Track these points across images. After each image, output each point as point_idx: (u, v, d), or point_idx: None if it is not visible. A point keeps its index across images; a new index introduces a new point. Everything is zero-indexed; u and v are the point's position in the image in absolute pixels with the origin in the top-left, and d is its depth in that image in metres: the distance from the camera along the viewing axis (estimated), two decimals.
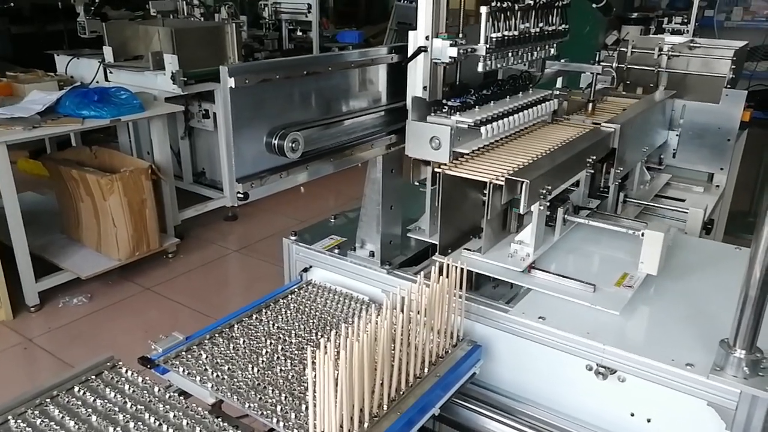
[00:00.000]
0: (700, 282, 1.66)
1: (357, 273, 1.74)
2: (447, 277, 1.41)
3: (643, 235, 1.60)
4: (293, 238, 1.87)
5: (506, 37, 1.68)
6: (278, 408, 1.27)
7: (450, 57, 1.60)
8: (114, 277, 4.04)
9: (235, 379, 1.37)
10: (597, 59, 2.22)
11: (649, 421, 1.38)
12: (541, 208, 1.65)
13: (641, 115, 2.23)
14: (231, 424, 1.23)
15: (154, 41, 4.67)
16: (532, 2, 1.74)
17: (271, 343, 1.51)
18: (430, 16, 1.59)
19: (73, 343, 3.42)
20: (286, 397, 1.31)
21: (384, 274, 1.69)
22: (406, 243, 1.83)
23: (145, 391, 1.32)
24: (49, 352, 3.36)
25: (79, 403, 1.28)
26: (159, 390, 1.32)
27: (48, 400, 1.28)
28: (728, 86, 2.55)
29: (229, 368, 1.40)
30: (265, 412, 1.26)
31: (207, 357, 1.44)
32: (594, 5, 1.82)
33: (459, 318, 1.48)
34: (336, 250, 1.80)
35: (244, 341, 1.51)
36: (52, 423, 1.21)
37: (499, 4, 1.62)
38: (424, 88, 1.64)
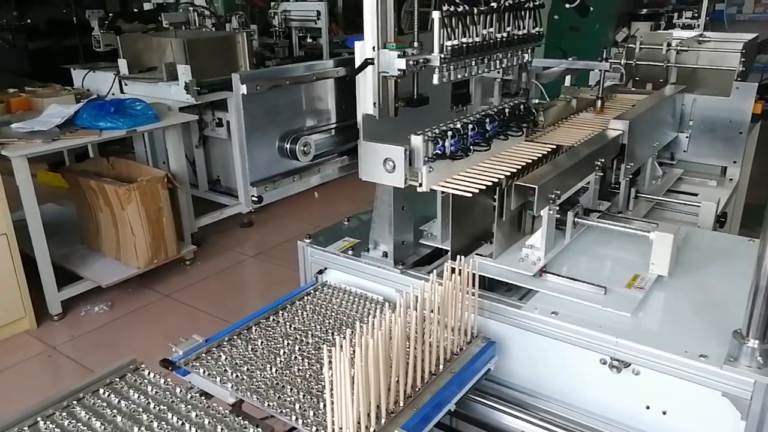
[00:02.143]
0: (713, 274, 1.67)
1: (371, 273, 1.77)
2: (459, 275, 1.43)
3: (652, 236, 1.61)
4: (308, 240, 1.90)
5: (465, 45, 1.52)
6: (297, 406, 1.30)
7: (399, 69, 1.45)
8: (133, 284, 4.10)
9: (254, 379, 1.40)
10: (605, 56, 2.23)
11: (664, 413, 1.39)
12: (551, 212, 1.66)
13: (651, 111, 2.24)
14: (252, 423, 1.26)
15: (167, 52, 4.75)
16: (495, 5, 1.59)
17: (288, 343, 1.54)
18: (376, 23, 1.45)
19: (95, 350, 3.48)
20: (304, 396, 1.34)
21: (397, 274, 1.72)
22: (418, 243, 1.85)
23: (167, 392, 1.35)
24: (72, 359, 3.43)
25: (105, 404, 1.31)
26: (181, 391, 1.35)
27: (75, 402, 1.32)
28: (738, 79, 2.55)
29: (248, 369, 1.44)
30: (284, 411, 1.29)
31: (226, 358, 1.48)
32: (567, 5, 1.75)
33: (473, 315, 1.50)
34: (350, 252, 1.83)
35: (262, 342, 1.54)
36: (79, 424, 1.25)
37: (453, 9, 1.45)
38: (375, 104, 1.52)
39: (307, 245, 1.89)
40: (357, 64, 1.48)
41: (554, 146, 1.82)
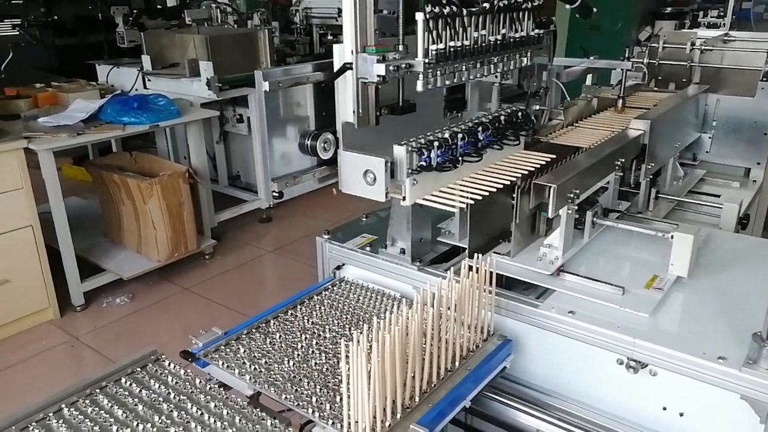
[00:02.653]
0: (733, 276, 1.65)
1: (388, 270, 1.78)
2: (477, 272, 1.44)
3: (672, 237, 1.60)
4: (326, 236, 1.92)
5: (453, 49, 1.41)
6: (314, 399, 1.32)
7: (378, 75, 1.34)
8: (154, 277, 4.17)
9: (272, 372, 1.42)
10: (626, 55, 2.21)
11: (681, 415, 1.38)
12: (570, 211, 1.66)
13: (673, 111, 2.22)
14: (269, 415, 1.28)
15: (190, 49, 4.80)
16: (487, 5, 1.47)
17: (306, 337, 1.56)
18: (354, 25, 1.34)
19: (116, 341, 3.54)
20: (320, 389, 1.35)
21: (415, 271, 1.73)
22: (436, 240, 1.86)
23: (187, 383, 1.38)
24: (94, 350, 3.50)
25: (126, 393, 1.34)
26: (200, 382, 1.38)
27: (97, 390, 1.35)
28: (764, 79, 2.51)
29: (266, 361, 1.46)
30: (301, 404, 1.31)
31: (245, 351, 1.50)
32: (568, 6, 1.67)
33: (489, 313, 1.50)
34: (368, 248, 1.84)
35: (280, 336, 1.56)
36: (102, 411, 1.28)
37: (439, 10, 1.34)
38: (354, 112, 1.42)
39: (326, 241, 1.91)
40: (336, 68, 1.39)
41: (553, 156, 1.73)
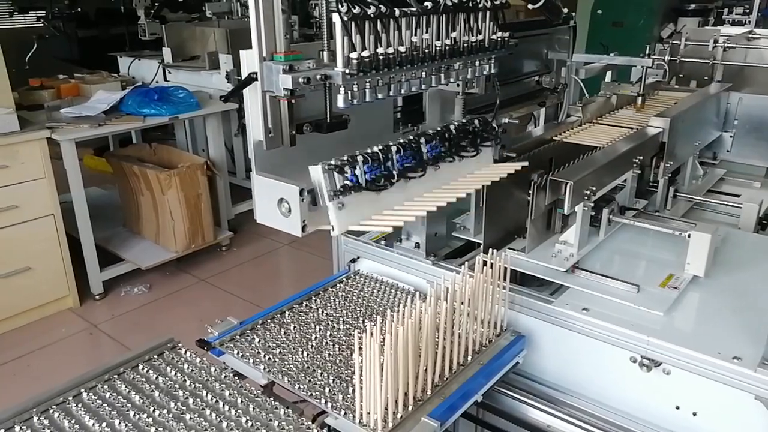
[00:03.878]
0: (751, 276, 1.63)
1: (403, 264, 1.79)
2: (491, 267, 1.44)
3: (689, 236, 1.59)
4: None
5: (381, 57, 1.16)
6: (326, 390, 1.33)
7: (285, 88, 1.13)
8: (171, 268, 4.22)
9: (286, 362, 1.44)
10: (647, 52, 2.19)
11: (694, 414, 1.37)
12: (586, 208, 1.65)
13: (693, 109, 2.19)
14: (283, 404, 1.29)
15: (210, 42, 4.84)
16: (429, 4, 1.23)
17: (319, 328, 1.57)
18: (258, 28, 1.15)
19: (133, 330, 3.60)
20: (333, 380, 1.37)
21: (429, 265, 1.73)
22: (451, 235, 1.86)
23: (202, 371, 1.40)
24: (112, 338, 3.56)
25: (143, 379, 1.37)
26: (215, 370, 1.40)
27: (115, 376, 1.38)
28: None
29: (280, 352, 1.47)
30: (314, 394, 1.32)
31: (259, 341, 1.52)
32: (530, 6, 1.49)
33: (503, 308, 1.50)
34: (383, 242, 1.85)
35: (294, 327, 1.58)
36: (119, 396, 1.31)
37: (360, 10, 1.11)
38: (265, 130, 1.21)
39: (341, 234, 1.92)
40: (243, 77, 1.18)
41: (519, 168, 1.56)
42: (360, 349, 1.19)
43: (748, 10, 5.29)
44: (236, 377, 1.40)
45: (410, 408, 1.25)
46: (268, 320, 1.61)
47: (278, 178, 1.24)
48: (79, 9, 7.01)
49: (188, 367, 1.41)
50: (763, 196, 2.28)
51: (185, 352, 1.47)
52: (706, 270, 1.57)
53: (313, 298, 1.72)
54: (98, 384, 1.34)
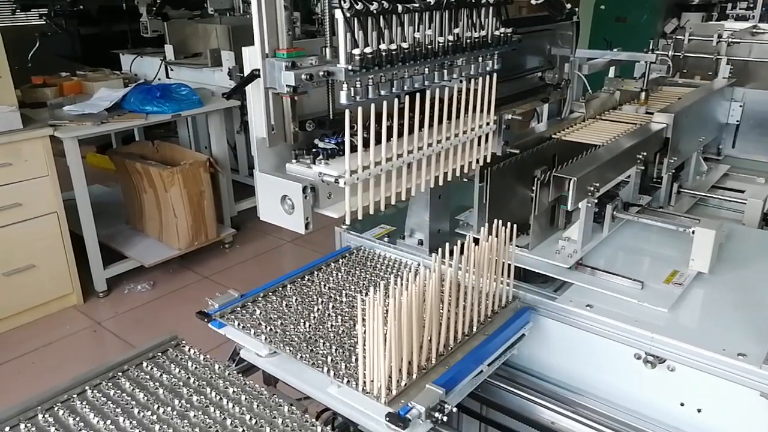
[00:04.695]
0: (756, 272, 1.63)
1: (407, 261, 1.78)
2: (497, 236, 1.41)
3: (693, 232, 1.58)
4: (345, 226, 1.93)
5: (383, 53, 1.15)
6: (329, 359, 1.32)
7: (288, 85, 1.13)
8: (174, 265, 4.23)
9: (288, 333, 1.42)
10: (650, 48, 2.18)
11: (699, 411, 1.37)
12: (589, 204, 1.64)
13: (697, 104, 2.18)
14: (286, 401, 1.29)
15: (212, 39, 4.84)
16: (432, 0, 1.22)
17: (322, 301, 1.56)
18: (260, 24, 1.14)
19: (137, 327, 3.61)
20: (336, 350, 1.35)
21: (432, 262, 1.73)
22: (454, 232, 1.86)
23: (206, 368, 1.40)
24: (115, 335, 3.57)
25: (147, 377, 1.37)
26: (219, 367, 1.40)
27: (120, 373, 1.38)
28: None
29: (281, 323, 1.46)
30: (316, 363, 1.31)
31: (261, 313, 1.50)
32: (533, 2, 1.42)
33: (508, 280, 1.48)
34: (386, 239, 1.85)
35: (296, 299, 1.57)
36: (124, 394, 1.31)
37: (363, 6, 1.10)
38: (268, 126, 1.21)
39: (344, 231, 1.92)
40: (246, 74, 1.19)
41: None
42: (363, 318, 1.17)
43: (752, 5, 5.26)
44: (240, 375, 1.40)
45: (414, 376, 1.23)
46: (270, 293, 1.60)
47: (281, 175, 1.24)
48: (81, 6, 7.00)
49: (192, 365, 1.41)
50: (767, 192, 2.28)
51: (189, 350, 1.47)
52: (710, 266, 1.57)
53: (316, 272, 1.71)
54: (103, 382, 1.35)
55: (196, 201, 4.06)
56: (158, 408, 1.26)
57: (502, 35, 1.43)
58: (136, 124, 4.18)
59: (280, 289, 1.62)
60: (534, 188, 1.61)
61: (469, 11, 1.33)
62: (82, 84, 4.51)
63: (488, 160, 1.56)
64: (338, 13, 1.10)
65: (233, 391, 1.32)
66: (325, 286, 1.64)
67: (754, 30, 2.71)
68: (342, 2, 1.09)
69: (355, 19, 1.11)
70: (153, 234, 4.25)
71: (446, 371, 1.27)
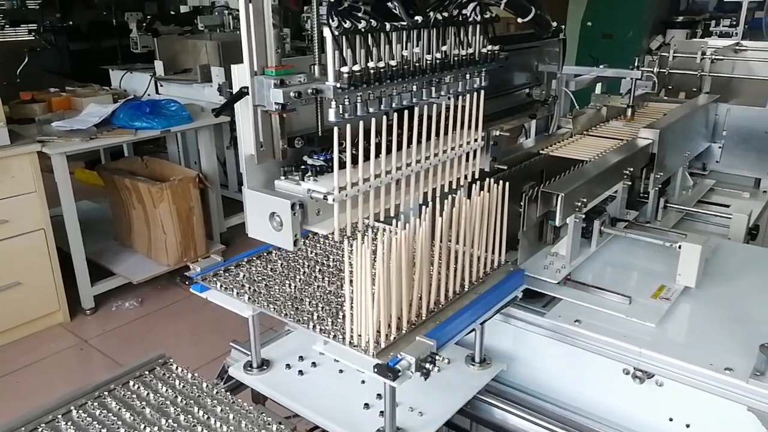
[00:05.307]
0: (742, 287, 1.64)
1: None
2: (488, 192, 1.39)
3: (680, 247, 1.60)
4: None
5: (372, 71, 1.16)
6: (314, 315, 1.29)
7: (276, 102, 1.14)
8: (163, 281, 4.19)
9: (272, 293, 1.39)
10: (636, 64, 2.21)
11: (687, 426, 1.37)
12: (577, 220, 1.66)
13: (682, 120, 2.21)
14: (275, 420, 1.28)
15: (202, 55, 4.85)
16: (420, 19, 1.23)
17: (308, 264, 1.54)
18: (249, 43, 1.15)
19: (125, 345, 3.57)
20: (323, 308, 1.33)
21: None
22: None
23: (194, 387, 1.39)
24: (102, 353, 3.52)
25: (134, 396, 1.35)
26: (207, 386, 1.39)
27: (106, 393, 1.36)
28: None
29: (266, 284, 1.43)
30: (301, 320, 1.28)
31: (245, 276, 1.48)
32: (520, 20, 1.43)
33: (500, 241, 1.46)
34: None
35: (282, 263, 1.54)
36: (110, 414, 1.29)
37: (351, 24, 1.11)
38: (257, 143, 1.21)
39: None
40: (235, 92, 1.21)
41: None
42: (351, 280, 1.14)
43: (735, 23, 5.36)
44: (229, 393, 1.39)
45: (404, 331, 1.21)
46: (254, 258, 1.57)
47: (270, 191, 1.25)
48: (71, 22, 7.02)
49: (180, 383, 1.40)
50: (752, 207, 2.31)
51: (177, 368, 1.46)
52: (697, 281, 1.58)
53: (304, 240, 1.67)
54: (88, 401, 1.33)
55: (185, 217, 4.05)
56: (144, 428, 1.24)
57: (489, 52, 1.44)
58: (125, 140, 4.17)
59: (266, 254, 1.59)
60: (522, 204, 1.62)
61: (457, 29, 1.35)
62: (71, 100, 4.50)
63: (476, 176, 1.57)
64: (327, 31, 1.10)
65: (221, 410, 1.30)
66: (312, 252, 1.61)
67: (737, 47, 2.76)
68: (330, 20, 1.10)
69: (344, 37, 1.12)
70: (141, 250, 4.22)
71: (437, 326, 1.24)
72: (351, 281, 1.16)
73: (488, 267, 1.46)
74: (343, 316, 1.25)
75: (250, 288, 1.42)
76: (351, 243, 1.15)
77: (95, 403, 1.32)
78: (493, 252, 1.46)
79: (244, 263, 1.55)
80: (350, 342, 1.19)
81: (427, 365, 1.13)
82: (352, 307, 1.17)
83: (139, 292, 4.05)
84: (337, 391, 1.48)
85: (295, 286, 1.43)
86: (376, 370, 1.12)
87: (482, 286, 1.41)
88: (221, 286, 1.43)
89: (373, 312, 1.15)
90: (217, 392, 1.36)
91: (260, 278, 1.47)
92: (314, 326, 1.25)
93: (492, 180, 1.41)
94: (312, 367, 1.56)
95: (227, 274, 1.50)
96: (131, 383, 1.39)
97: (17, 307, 3.54)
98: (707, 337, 1.42)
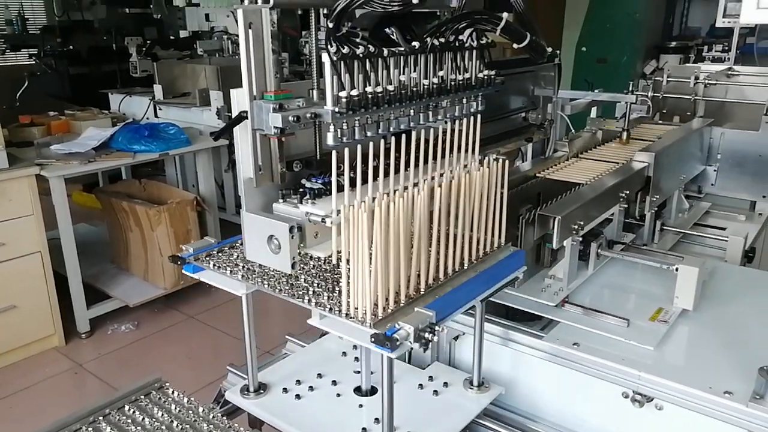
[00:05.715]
0: (739, 309, 1.64)
1: None
2: (488, 167, 1.37)
3: (677, 270, 1.60)
4: None
5: (370, 96, 1.17)
6: (310, 290, 1.27)
7: (275, 127, 1.15)
8: (159, 305, 4.17)
9: (267, 270, 1.37)
10: (630, 89, 2.24)
11: None
12: (574, 243, 1.66)
13: (678, 143, 2.23)
14: None
15: (201, 79, 4.89)
16: (417, 44, 1.25)
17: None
18: (248, 67, 1.16)
19: (120, 369, 3.53)
20: (318, 284, 1.31)
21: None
22: None
23: (190, 411, 1.38)
24: (98, 377, 3.49)
25: (129, 421, 1.34)
26: (203, 410, 1.38)
27: (101, 417, 1.35)
28: None
29: (260, 264, 1.38)
30: (296, 294, 1.26)
31: (238, 256, 1.45)
32: (516, 45, 1.45)
33: (500, 222, 1.44)
34: None
35: None
36: None
37: (349, 50, 1.13)
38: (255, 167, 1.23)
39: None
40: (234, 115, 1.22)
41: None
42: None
43: (727, 48, 5.44)
44: (225, 417, 1.38)
45: (402, 304, 1.19)
46: None
47: (268, 215, 1.26)
48: (72, 47, 7.08)
49: (176, 408, 1.39)
50: (748, 229, 2.32)
51: (173, 392, 1.45)
52: (694, 303, 1.58)
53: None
54: (83, 426, 1.32)
55: (183, 240, 4.04)
56: None
57: (485, 77, 1.46)
58: (123, 163, 4.18)
59: None
60: (519, 226, 1.62)
61: (453, 54, 1.37)
62: (69, 123, 4.52)
63: None
64: (325, 57, 1.12)
65: None
66: None
67: (730, 72, 2.80)
68: (329, 46, 1.11)
69: (342, 62, 1.13)
70: (138, 273, 4.20)
71: (436, 299, 1.21)
72: (348, 260, 1.13)
73: (488, 247, 1.44)
74: (339, 291, 1.23)
75: (243, 267, 1.40)
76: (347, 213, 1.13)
77: (90, 429, 1.31)
78: (492, 234, 1.44)
79: (238, 245, 1.52)
80: (347, 314, 1.17)
81: (427, 335, 1.10)
82: (348, 281, 1.15)
83: (135, 315, 4.03)
84: (335, 416, 1.47)
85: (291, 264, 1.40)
86: (373, 339, 1.09)
87: (482, 265, 1.39)
88: (214, 265, 1.41)
89: (370, 281, 1.13)
90: (213, 417, 1.36)
91: None
92: (309, 300, 1.23)
93: (492, 157, 1.39)
94: (309, 391, 1.55)
95: (221, 255, 1.48)
96: (126, 408, 1.38)
97: (12, 330, 3.51)
98: (706, 360, 1.42)
